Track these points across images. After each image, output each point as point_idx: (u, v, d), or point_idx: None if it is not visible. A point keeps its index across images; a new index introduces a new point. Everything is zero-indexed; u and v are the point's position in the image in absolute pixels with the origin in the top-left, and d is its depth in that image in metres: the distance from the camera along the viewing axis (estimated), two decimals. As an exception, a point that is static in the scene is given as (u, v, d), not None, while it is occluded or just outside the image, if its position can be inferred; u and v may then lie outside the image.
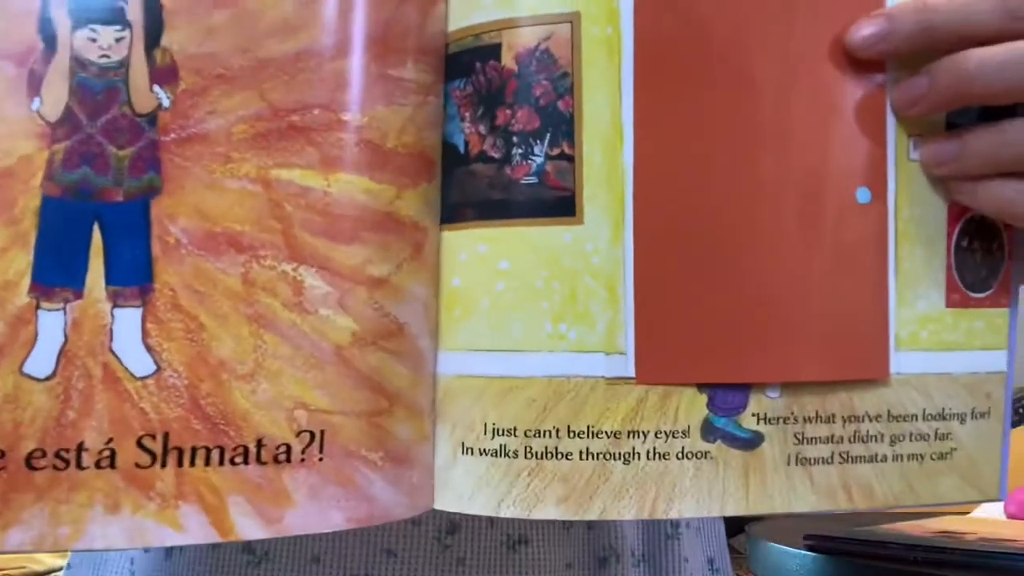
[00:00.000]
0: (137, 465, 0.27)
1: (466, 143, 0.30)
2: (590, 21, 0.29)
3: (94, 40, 0.27)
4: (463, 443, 0.30)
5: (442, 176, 0.31)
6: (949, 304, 0.32)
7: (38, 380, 0.26)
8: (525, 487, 0.29)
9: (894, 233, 0.31)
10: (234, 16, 0.28)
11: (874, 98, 0.31)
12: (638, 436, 0.29)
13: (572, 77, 0.29)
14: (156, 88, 0.27)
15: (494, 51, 0.30)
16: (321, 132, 0.28)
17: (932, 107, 0.30)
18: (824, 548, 0.74)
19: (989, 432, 0.32)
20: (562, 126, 0.29)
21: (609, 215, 0.29)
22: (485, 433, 0.29)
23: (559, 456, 0.29)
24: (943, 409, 0.32)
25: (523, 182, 0.29)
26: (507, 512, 0.29)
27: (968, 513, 0.97)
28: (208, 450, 0.27)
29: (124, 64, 0.27)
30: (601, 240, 0.29)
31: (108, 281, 0.27)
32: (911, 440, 0.31)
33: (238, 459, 0.27)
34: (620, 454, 0.29)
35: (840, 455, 0.31)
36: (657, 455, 0.29)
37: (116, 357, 0.27)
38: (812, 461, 0.30)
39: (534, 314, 0.29)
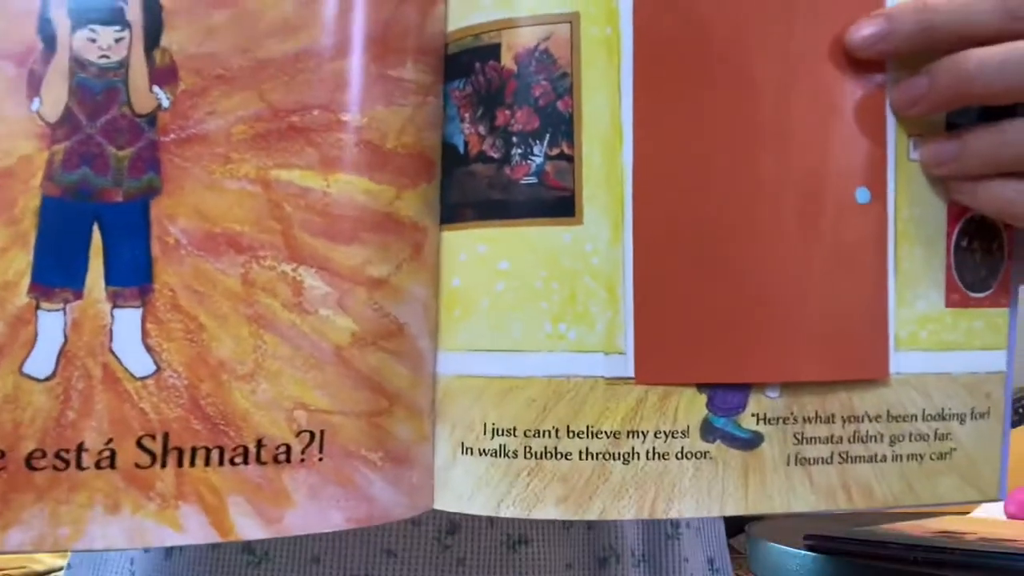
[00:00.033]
0: (137, 465, 0.27)
1: (466, 143, 0.30)
2: (589, 21, 0.29)
3: (94, 40, 0.27)
4: (463, 443, 0.30)
5: (442, 176, 0.31)
6: (949, 304, 0.32)
7: (38, 380, 0.26)
8: (525, 487, 0.29)
9: (894, 233, 0.31)
10: (234, 16, 0.28)
11: (874, 98, 0.31)
12: (637, 436, 0.29)
13: (571, 77, 0.29)
14: (156, 88, 0.27)
15: (493, 51, 0.30)
16: (321, 133, 0.28)
17: (932, 107, 0.30)
18: (824, 548, 0.74)
19: (989, 432, 0.32)
20: (561, 126, 0.29)
21: (608, 215, 0.29)
22: (485, 433, 0.29)
23: (559, 456, 0.29)
24: (943, 409, 0.32)
25: (523, 182, 0.29)
26: (507, 512, 0.29)
27: (968, 513, 0.97)
28: (208, 450, 0.27)
29: (124, 64, 0.27)
30: (600, 240, 0.29)
31: (108, 281, 0.27)
32: (911, 440, 0.31)
33: (238, 459, 0.27)
34: (620, 454, 0.29)
35: (840, 455, 0.31)
36: (657, 455, 0.29)
37: (116, 357, 0.27)
38: (811, 461, 0.30)
39: (534, 314, 0.29)
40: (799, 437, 0.30)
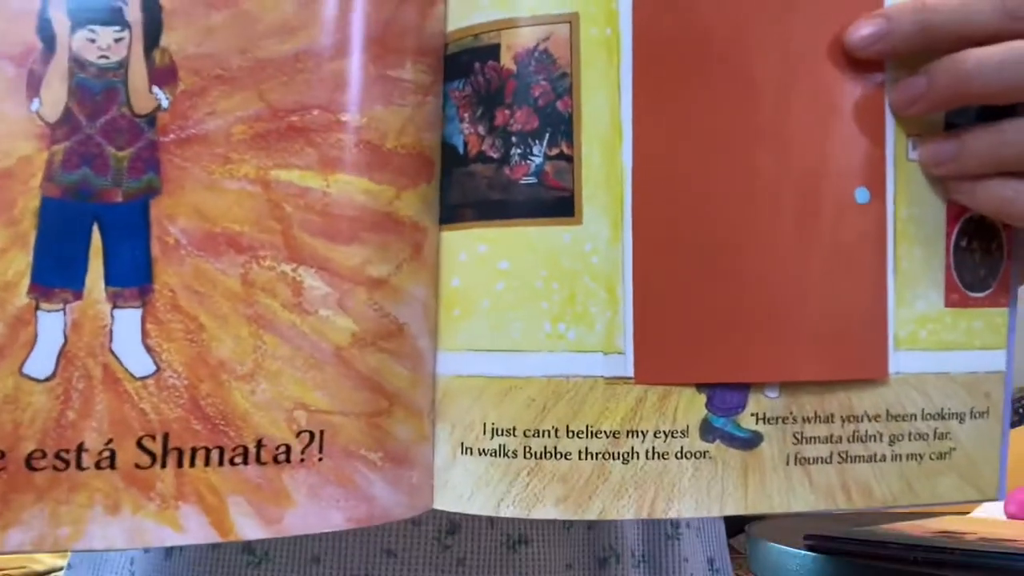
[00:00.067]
0: (137, 466, 0.27)
1: (465, 143, 0.30)
2: (589, 22, 0.29)
3: (93, 41, 0.27)
4: (462, 443, 0.30)
5: (441, 176, 0.31)
6: (948, 304, 0.32)
7: (38, 381, 0.26)
8: (524, 487, 0.29)
9: (893, 233, 0.31)
10: (233, 17, 0.28)
11: (873, 98, 0.31)
12: (637, 436, 0.29)
13: (571, 77, 0.29)
14: (155, 89, 0.27)
15: (493, 51, 0.30)
16: (320, 133, 0.28)
17: (931, 107, 0.30)
18: (824, 548, 0.74)
19: (988, 432, 0.32)
20: (561, 126, 0.29)
21: (608, 215, 0.29)
22: (484, 433, 0.30)
23: (558, 456, 0.29)
24: (942, 409, 0.32)
25: (522, 182, 0.29)
26: (506, 512, 0.29)
27: (968, 513, 0.97)
28: (208, 450, 0.27)
29: (123, 65, 0.27)
30: (600, 240, 0.29)
31: (108, 282, 0.27)
32: (910, 440, 0.31)
33: (238, 459, 0.27)
34: (619, 454, 0.29)
35: (839, 455, 0.31)
36: (656, 455, 0.29)
37: (116, 358, 0.27)
38: (811, 461, 0.30)
39: (533, 314, 0.29)
40: (798, 437, 0.30)
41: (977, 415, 0.32)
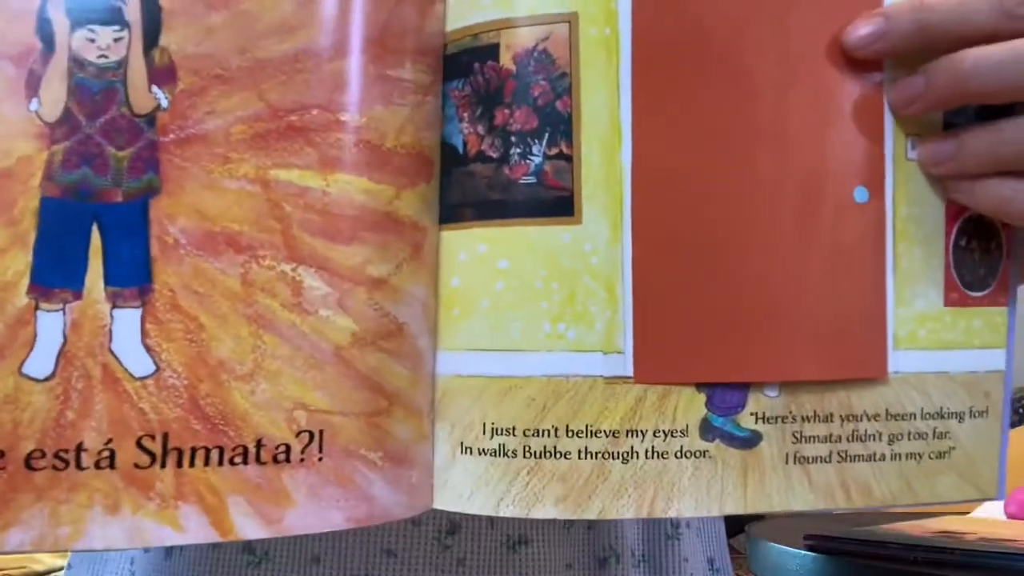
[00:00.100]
0: (136, 465, 0.27)
1: (464, 143, 0.30)
2: (588, 21, 0.29)
3: (92, 40, 0.27)
4: (462, 443, 0.30)
5: (441, 176, 0.31)
6: (947, 303, 0.32)
7: (37, 381, 0.26)
8: (524, 486, 0.29)
9: (892, 232, 0.31)
10: (232, 16, 0.28)
11: (871, 97, 0.31)
12: (637, 435, 0.29)
13: (570, 77, 0.29)
14: (154, 88, 0.27)
15: (492, 51, 0.30)
16: (320, 132, 0.28)
17: (929, 106, 0.30)
18: (824, 548, 0.74)
19: (987, 431, 0.32)
20: (560, 126, 0.29)
21: (607, 215, 0.29)
22: (484, 433, 0.30)
23: (558, 455, 0.29)
24: (941, 408, 0.32)
25: (522, 182, 0.29)
26: (506, 511, 0.29)
27: (968, 513, 0.97)
28: (207, 450, 0.27)
29: (122, 64, 0.27)
30: (599, 240, 0.29)
31: (107, 282, 0.27)
32: (909, 439, 0.31)
33: (237, 459, 0.27)
34: (619, 453, 0.29)
35: (838, 454, 0.31)
36: (656, 454, 0.29)
37: (115, 357, 0.27)
38: (810, 460, 0.30)
39: (533, 314, 0.29)
40: (798, 436, 0.30)
41: (976, 414, 0.32)
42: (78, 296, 0.27)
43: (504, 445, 0.29)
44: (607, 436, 0.29)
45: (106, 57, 0.27)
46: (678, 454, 0.30)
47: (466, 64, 0.30)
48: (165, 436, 0.27)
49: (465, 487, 0.30)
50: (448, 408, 0.30)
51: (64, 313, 0.27)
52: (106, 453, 0.26)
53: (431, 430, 0.30)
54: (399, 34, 0.30)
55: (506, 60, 0.29)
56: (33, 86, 0.27)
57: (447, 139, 0.31)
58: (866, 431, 0.31)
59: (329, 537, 0.41)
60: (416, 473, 0.30)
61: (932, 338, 0.32)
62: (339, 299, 0.28)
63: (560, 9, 0.29)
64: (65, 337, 0.26)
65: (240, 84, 0.28)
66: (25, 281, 0.26)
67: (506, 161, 0.29)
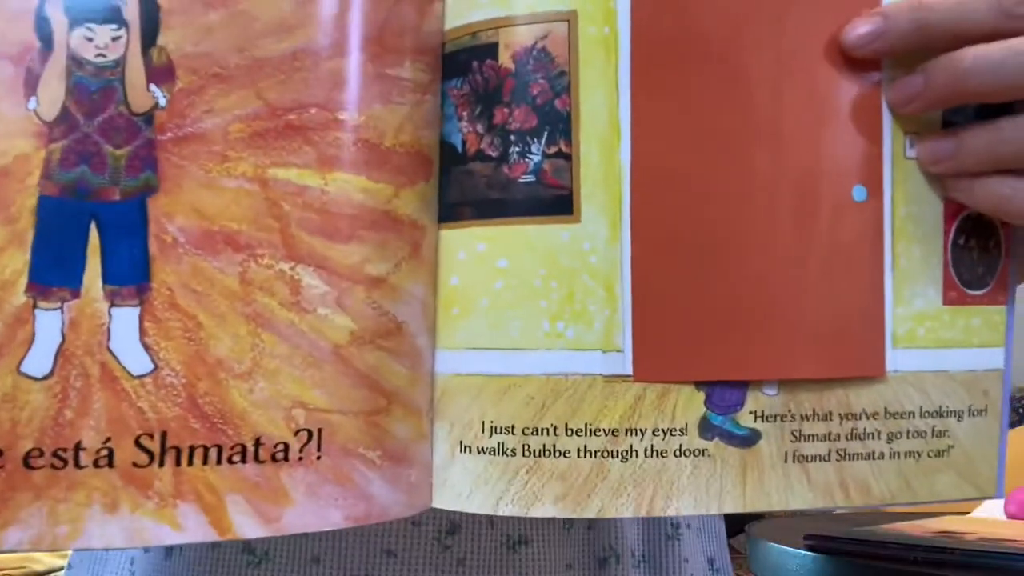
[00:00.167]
0: (135, 464, 0.27)
1: (464, 142, 0.30)
2: (587, 20, 0.29)
3: (90, 39, 0.27)
4: (461, 441, 0.30)
5: (440, 175, 0.31)
6: (946, 301, 0.32)
7: (36, 379, 0.26)
8: (523, 485, 0.29)
9: (891, 231, 0.31)
10: (230, 15, 0.28)
11: (870, 96, 0.31)
12: (636, 434, 0.29)
13: (569, 76, 0.29)
14: (152, 87, 0.27)
15: (491, 50, 0.30)
16: (318, 131, 0.28)
17: (928, 105, 0.30)
18: (824, 548, 0.74)
19: (986, 429, 0.32)
20: (559, 125, 0.29)
21: (606, 214, 0.29)
22: (483, 431, 0.30)
23: (557, 454, 0.29)
24: (940, 406, 0.32)
25: (521, 181, 0.29)
26: (505, 510, 0.29)
27: (968, 513, 0.97)
28: (206, 449, 0.27)
29: (120, 63, 0.27)
30: (598, 239, 0.29)
31: (105, 280, 0.27)
32: (908, 437, 0.31)
33: (236, 458, 0.27)
34: (618, 452, 0.29)
35: (837, 452, 0.31)
36: (655, 453, 0.29)
37: (114, 356, 0.27)
38: (809, 458, 0.30)
39: (532, 312, 0.29)
40: (797, 435, 0.30)
41: (975, 413, 0.32)
42: (76, 295, 0.27)
43: (503, 444, 0.29)
44: (606, 435, 0.29)
45: (104, 56, 0.27)
46: (677, 453, 0.30)
47: (465, 63, 0.30)
48: (163, 435, 0.27)
49: (464, 486, 0.30)
50: (447, 407, 0.30)
51: (62, 312, 0.27)
52: (104, 452, 0.26)
53: (430, 429, 0.30)
54: (398, 33, 0.30)
55: (505, 59, 0.29)
56: (31, 85, 0.27)
57: (446, 138, 0.31)
58: (865, 430, 0.31)
59: (329, 537, 0.41)
60: (415, 472, 0.30)
61: (931, 337, 0.32)
62: (338, 298, 0.28)
63: (559, 8, 0.29)
64: (63, 336, 0.26)
65: (238, 83, 0.28)
66: (23, 280, 0.26)
67: (505, 160, 0.29)
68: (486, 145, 0.30)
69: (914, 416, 0.31)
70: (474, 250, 0.30)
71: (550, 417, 0.29)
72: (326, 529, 0.28)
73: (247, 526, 0.27)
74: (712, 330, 0.30)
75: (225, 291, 0.28)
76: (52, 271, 0.26)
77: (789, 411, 0.30)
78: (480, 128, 0.30)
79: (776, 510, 0.30)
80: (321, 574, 0.41)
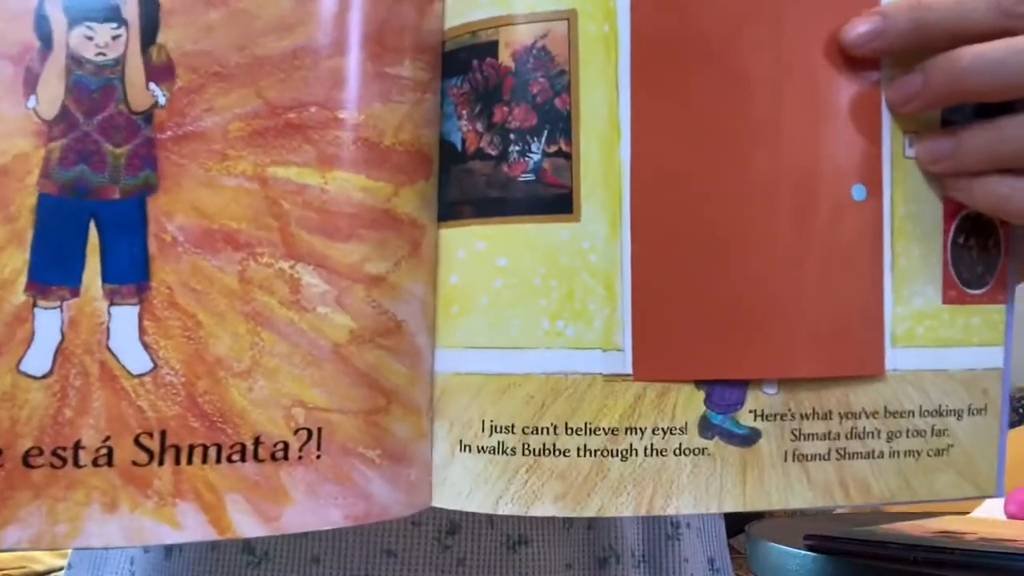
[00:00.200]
0: (134, 463, 0.27)
1: (463, 140, 0.30)
2: (587, 19, 0.29)
3: (90, 38, 0.27)
4: (461, 440, 0.30)
5: (440, 173, 0.31)
6: (946, 300, 0.32)
7: (35, 378, 0.26)
8: (523, 484, 0.29)
9: (890, 230, 0.31)
10: (230, 14, 0.28)
11: (869, 95, 0.31)
12: (636, 433, 0.29)
13: (569, 75, 0.29)
14: (152, 86, 0.27)
15: (491, 49, 0.30)
16: (318, 130, 0.28)
17: (927, 104, 0.30)
18: (824, 548, 0.74)
19: (986, 428, 0.32)
20: (559, 123, 0.29)
21: (606, 212, 0.29)
22: (483, 430, 0.30)
23: (557, 453, 0.29)
24: (940, 405, 0.32)
25: (520, 179, 0.29)
26: (505, 509, 0.29)
27: (968, 513, 0.97)
28: (205, 448, 0.27)
29: (120, 62, 0.27)
30: (598, 237, 0.29)
31: (105, 279, 0.27)
32: (908, 436, 0.31)
33: (235, 457, 0.27)
34: (618, 451, 0.29)
35: (837, 451, 0.31)
36: (655, 452, 0.29)
37: (113, 355, 0.27)
38: (809, 457, 0.30)
39: (532, 311, 0.29)
40: (797, 433, 0.30)
41: (975, 412, 0.32)
42: (76, 293, 0.27)
43: (503, 443, 0.29)
44: (606, 434, 0.29)
45: (104, 55, 0.27)
46: (677, 451, 0.29)
47: (465, 61, 0.30)
48: (163, 434, 0.27)
49: (464, 485, 0.30)
50: (447, 406, 0.30)
51: (62, 310, 0.26)
52: (104, 451, 0.26)
53: (430, 428, 0.30)
54: (398, 31, 0.30)
55: (505, 57, 0.29)
56: (31, 84, 0.27)
57: (446, 136, 0.31)
58: (865, 429, 0.31)
59: (329, 537, 0.41)
60: (415, 471, 0.30)
61: (930, 336, 0.32)
62: (337, 296, 0.28)
63: (559, 7, 0.29)
64: (63, 334, 0.26)
65: (238, 81, 0.28)
66: (23, 278, 0.26)
67: (505, 159, 0.29)
68: (486, 144, 0.30)
69: (914, 415, 0.31)
70: (474, 249, 0.30)
71: (550, 416, 0.29)
72: (326, 528, 0.28)
73: (246, 525, 0.27)
74: (712, 329, 0.30)
75: (224, 290, 0.28)
76: (51, 270, 0.26)
77: (789, 410, 0.30)
78: (480, 127, 0.30)
79: (776, 509, 0.30)
80: (321, 574, 0.41)
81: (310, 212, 0.28)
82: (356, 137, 0.29)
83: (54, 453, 0.26)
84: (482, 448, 0.29)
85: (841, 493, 0.31)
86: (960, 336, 0.32)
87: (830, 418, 0.31)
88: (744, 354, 0.30)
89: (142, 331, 0.27)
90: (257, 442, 0.27)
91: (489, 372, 0.30)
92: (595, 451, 0.29)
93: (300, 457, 0.28)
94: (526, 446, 0.29)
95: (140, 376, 0.27)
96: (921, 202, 0.31)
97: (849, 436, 0.31)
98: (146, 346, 0.27)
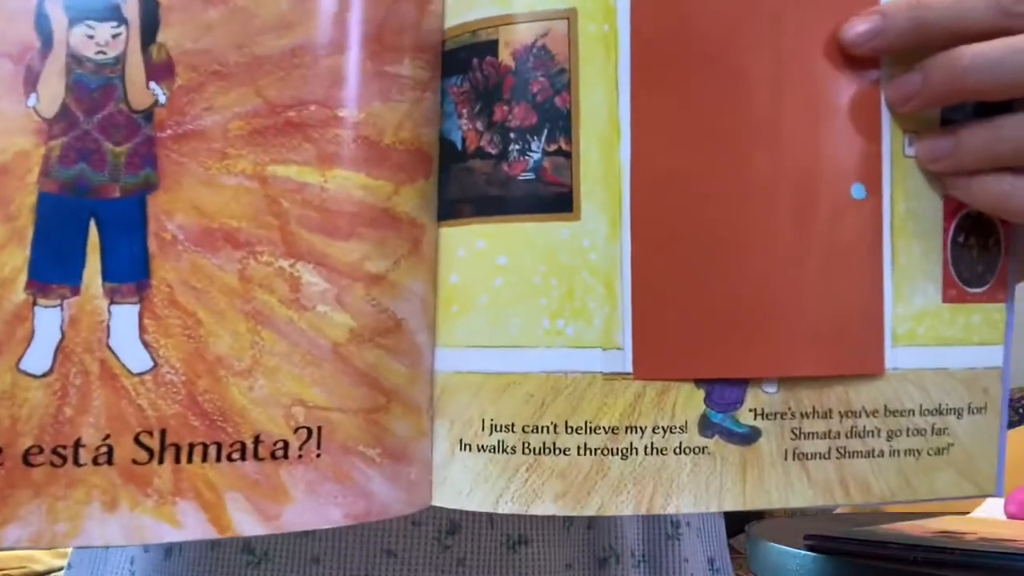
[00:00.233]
0: (135, 462, 0.27)
1: (463, 139, 0.30)
2: (587, 18, 0.29)
3: (91, 37, 0.27)
4: (461, 439, 0.30)
5: (439, 172, 0.31)
6: (946, 299, 0.32)
7: (35, 377, 0.26)
8: (523, 483, 0.29)
9: (890, 229, 0.31)
10: (230, 13, 0.28)
11: (869, 95, 0.31)
12: (636, 431, 0.29)
13: (569, 73, 0.29)
14: (152, 84, 0.27)
15: (491, 47, 0.30)
16: (318, 128, 0.28)
17: (926, 103, 0.30)
18: (824, 548, 0.74)
19: (986, 427, 0.32)
20: (559, 122, 0.29)
21: (606, 211, 0.29)
22: (483, 429, 0.29)
23: (557, 452, 0.29)
24: (940, 404, 0.32)
25: (520, 178, 0.29)
26: (505, 508, 0.29)
27: (968, 513, 0.97)
28: (205, 446, 0.27)
29: (120, 61, 0.27)
30: (598, 236, 0.29)
31: (105, 278, 0.27)
32: (908, 435, 0.31)
33: (235, 455, 0.27)
34: (618, 449, 0.29)
35: (837, 450, 0.31)
36: (655, 450, 0.29)
37: (113, 353, 0.27)
38: (809, 456, 0.30)
39: (532, 310, 0.29)
40: (797, 432, 0.30)
41: (975, 411, 0.32)
42: (76, 292, 0.27)
43: (503, 442, 0.29)
44: (606, 432, 0.29)
45: (104, 53, 0.27)
46: (677, 450, 0.29)
47: (465, 60, 0.30)
48: (163, 432, 0.27)
49: (464, 484, 0.30)
50: (447, 404, 0.30)
51: (62, 309, 0.26)
52: (104, 449, 0.26)
53: (430, 427, 0.30)
54: (397, 30, 0.30)
55: (505, 56, 0.30)
56: (31, 82, 0.27)
57: (446, 135, 0.31)
58: (865, 427, 0.31)
59: (329, 537, 0.41)
60: (415, 470, 0.30)
61: (930, 334, 0.32)
62: (337, 295, 0.28)
63: (559, 6, 0.29)
64: (63, 333, 0.26)
65: (238, 80, 0.28)
66: (23, 277, 0.26)
67: (505, 157, 0.29)
68: (486, 142, 0.30)
69: (914, 414, 0.31)
70: (474, 247, 0.30)
71: (550, 415, 0.29)
72: (326, 527, 0.28)
73: (246, 524, 0.27)
74: (712, 328, 0.30)
75: (225, 288, 0.28)
76: (52, 268, 0.26)
77: (789, 409, 0.30)
78: (480, 125, 0.30)
79: (776, 508, 0.30)
80: (321, 574, 0.41)
81: (310, 211, 0.28)
82: (356, 135, 0.29)
83: (54, 452, 0.26)
84: (482, 447, 0.29)
85: (841, 492, 0.31)
86: (960, 335, 0.32)
87: (830, 417, 0.31)
88: (744, 353, 0.30)
89: (142, 330, 0.27)
90: (257, 441, 0.27)
91: (489, 371, 0.30)
92: (595, 450, 0.29)
93: (300, 456, 0.28)
94: (526, 445, 0.29)
95: (140, 375, 0.27)
96: (921, 201, 0.31)
97: (849, 435, 0.31)
98: (146, 345, 0.27)
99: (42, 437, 0.26)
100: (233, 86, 0.28)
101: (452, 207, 0.30)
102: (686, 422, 0.30)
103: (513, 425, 0.29)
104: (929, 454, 0.32)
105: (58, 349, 0.26)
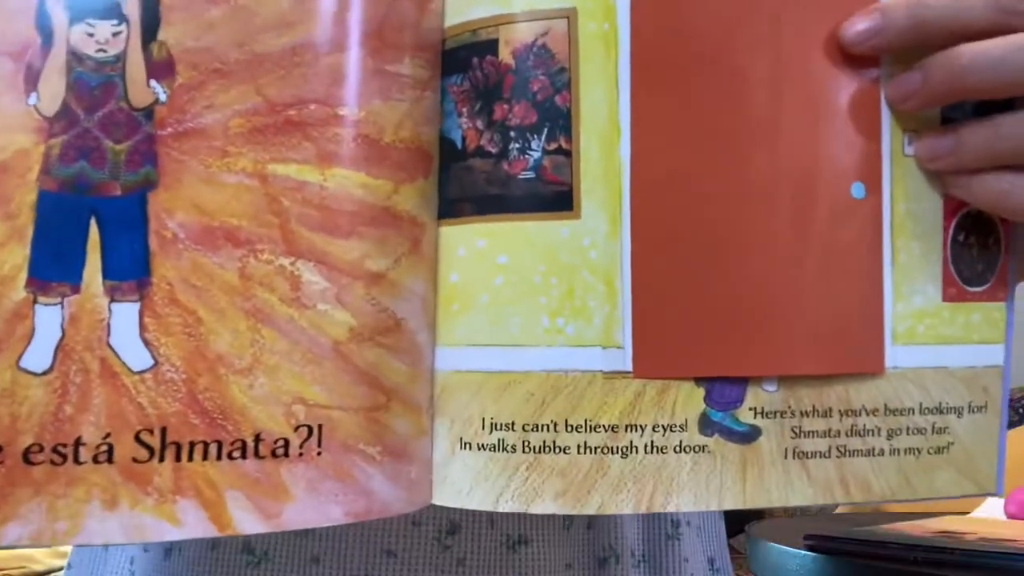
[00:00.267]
0: (135, 460, 0.27)
1: (463, 138, 0.30)
2: (587, 17, 0.29)
3: (91, 35, 0.27)
4: (461, 438, 0.30)
5: (440, 171, 0.31)
6: (946, 298, 0.32)
7: (35, 375, 0.26)
8: (523, 481, 0.29)
9: (890, 228, 0.31)
10: (230, 11, 0.28)
11: (868, 93, 0.31)
12: (636, 430, 0.29)
13: (569, 72, 0.29)
14: (153, 82, 0.27)
15: (491, 46, 0.30)
16: (318, 127, 0.28)
17: (926, 102, 0.30)
18: (824, 548, 0.74)
19: (986, 426, 0.32)
20: (559, 121, 0.29)
21: (606, 210, 0.29)
22: (483, 428, 0.29)
23: (557, 450, 0.29)
24: (940, 403, 0.32)
25: (520, 177, 0.29)
26: (505, 507, 0.29)
27: (968, 513, 0.97)
28: (206, 445, 0.27)
29: (121, 59, 0.27)
30: (598, 235, 0.29)
31: (105, 276, 0.27)
32: (908, 434, 0.31)
33: (236, 453, 0.27)
34: (618, 448, 0.29)
35: (837, 449, 0.31)
36: (655, 449, 0.29)
37: (113, 351, 0.27)
38: (809, 455, 0.30)
39: (532, 309, 0.29)
40: (797, 431, 0.30)
41: (975, 409, 0.32)
42: (76, 290, 0.27)
43: (503, 440, 0.29)
44: (606, 431, 0.29)
45: (105, 51, 0.27)
46: (677, 449, 0.29)
47: (465, 59, 0.30)
48: (163, 430, 0.27)
49: (464, 482, 0.30)
50: (447, 403, 0.30)
51: (62, 307, 0.27)
52: (104, 447, 0.26)
53: (430, 425, 0.30)
54: (397, 29, 0.30)
55: (505, 55, 0.30)
56: (32, 80, 0.27)
57: (446, 134, 0.31)
58: (865, 426, 0.31)
59: (329, 537, 0.41)
60: (415, 468, 0.30)
61: (930, 333, 0.32)
62: (337, 294, 0.28)
63: (559, 4, 0.29)
64: (63, 331, 0.26)
65: (238, 78, 0.28)
66: (23, 275, 0.26)
67: (505, 156, 0.29)
68: (486, 141, 0.30)
69: (914, 413, 0.31)
70: (474, 246, 0.30)
71: (550, 413, 0.29)
72: (326, 525, 0.28)
73: (247, 522, 0.27)
74: (712, 326, 0.30)
75: (225, 286, 0.28)
76: (52, 266, 0.26)
77: (789, 407, 0.30)
78: (480, 124, 0.30)
79: (776, 507, 0.30)
80: (321, 574, 0.41)
81: (310, 209, 0.28)
82: (356, 134, 0.29)
83: (54, 450, 0.26)
84: (482, 446, 0.29)
85: (841, 491, 0.31)
86: (960, 334, 0.32)
87: (830, 416, 0.31)
88: (744, 351, 0.30)
89: (143, 328, 0.27)
90: (258, 439, 0.27)
91: (489, 370, 0.30)
92: (595, 448, 0.29)
93: (301, 454, 0.28)
94: (526, 443, 0.29)
95: (141, 373, 0.27)
96: (921, 200, 0.31)
97: (849, 434, 0.31)
98: (147, 343, 0.27)
99: (42, 435, 0.26)
100: (234, 84, 0.28)
101: (452, 206, 0.30)
102: (686, 421, 0.30)
103: (513, 424, 0.29)
104: (929, 453, 0.32)
105: (58, 347, 0.26)
